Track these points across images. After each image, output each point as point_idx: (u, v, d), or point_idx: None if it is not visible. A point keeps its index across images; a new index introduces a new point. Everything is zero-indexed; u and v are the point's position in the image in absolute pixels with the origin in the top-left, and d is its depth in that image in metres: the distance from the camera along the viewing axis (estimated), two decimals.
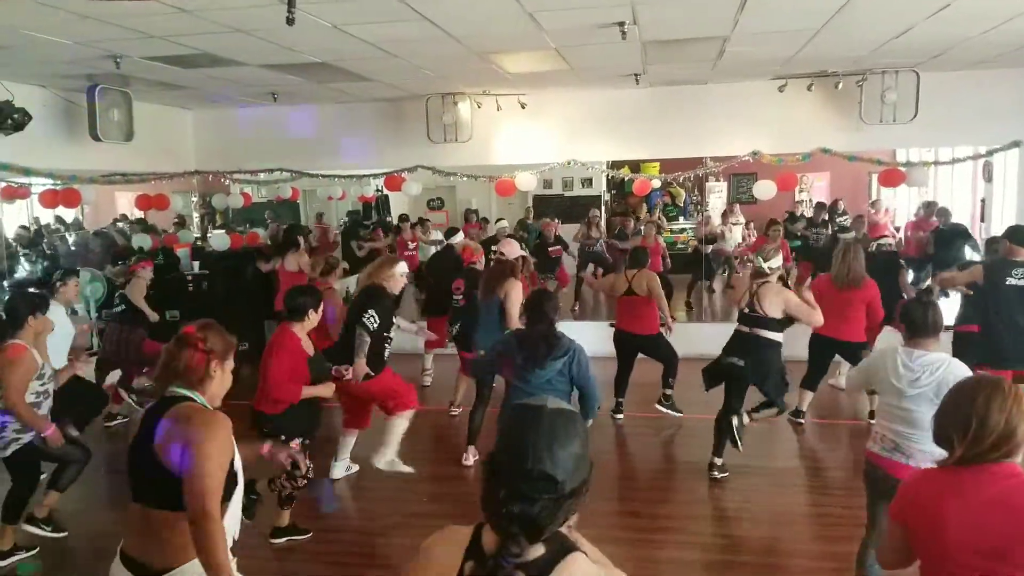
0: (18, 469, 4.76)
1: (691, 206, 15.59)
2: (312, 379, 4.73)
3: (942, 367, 3.52)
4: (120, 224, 11.76)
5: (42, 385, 4.69)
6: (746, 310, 5.75)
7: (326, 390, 4.74)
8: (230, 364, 2.79)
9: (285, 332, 4.73)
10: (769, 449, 6.57)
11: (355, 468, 6.13)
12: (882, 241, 8.68)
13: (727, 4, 5.44)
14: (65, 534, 5.02)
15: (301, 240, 9.24)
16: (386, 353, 5.66)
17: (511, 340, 4.51)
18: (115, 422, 7.56)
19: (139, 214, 11.55)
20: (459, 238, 8.86)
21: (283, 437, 4.35)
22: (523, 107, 9.27)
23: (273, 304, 10.37)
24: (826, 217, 11.88)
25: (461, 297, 7.41)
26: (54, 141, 8.11)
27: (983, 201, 11.42)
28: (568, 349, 4.29)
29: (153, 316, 7.20)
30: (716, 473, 5.88)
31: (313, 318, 4.71)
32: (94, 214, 11.62)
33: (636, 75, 8.22)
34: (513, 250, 6.70)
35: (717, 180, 14.90)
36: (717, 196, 15.34)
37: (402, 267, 5.83)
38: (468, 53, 6.87)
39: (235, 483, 2.61)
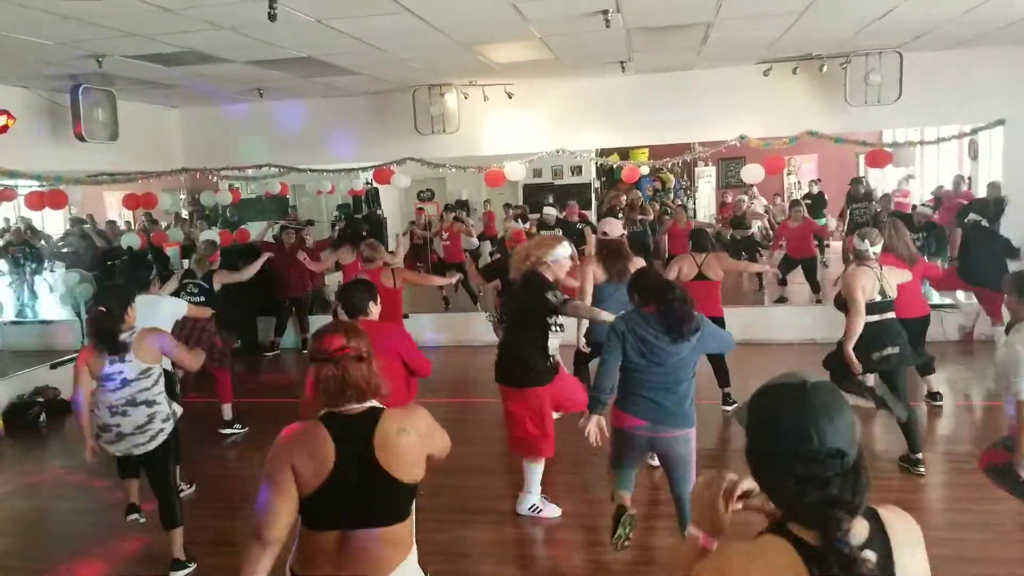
0: (160, 464, 4.60)
1: (681, 191, 15.62)
2: None
3: None
4: (87, 227, 11.69)
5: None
6: (879, 297, 5.41)
7: None
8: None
9: (381, 323, 4.57)
10: None
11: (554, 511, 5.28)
12: (920, 210, 8.63)
13: None
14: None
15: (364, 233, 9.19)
16: (550, 345, 4.96)
17: (635, 319, 4.05)
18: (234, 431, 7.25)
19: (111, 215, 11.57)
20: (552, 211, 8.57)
21: None
22: (510, 97, 9.27)
23: (270, 299, 10.42)
24: (866, 190, 11.67)
25: None
26: (38, 142, 8.07)
27: (969, 179, 11.50)
28: (699, 322, 3.97)
29: (252, 269, 7.55)
30: (921, 468, 5.53)
31: (375, 310, 4.51)
32: (81, 214, 11.60)
33: (622, 62, 8.23)
34: (617, 228, 6.35)
35: (706, 165, 14.95)
36: (706, 181, 15.39)
37: (565, 248, 5.12)
38: (453, 44, 6.87)
39: None
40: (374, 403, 2.51)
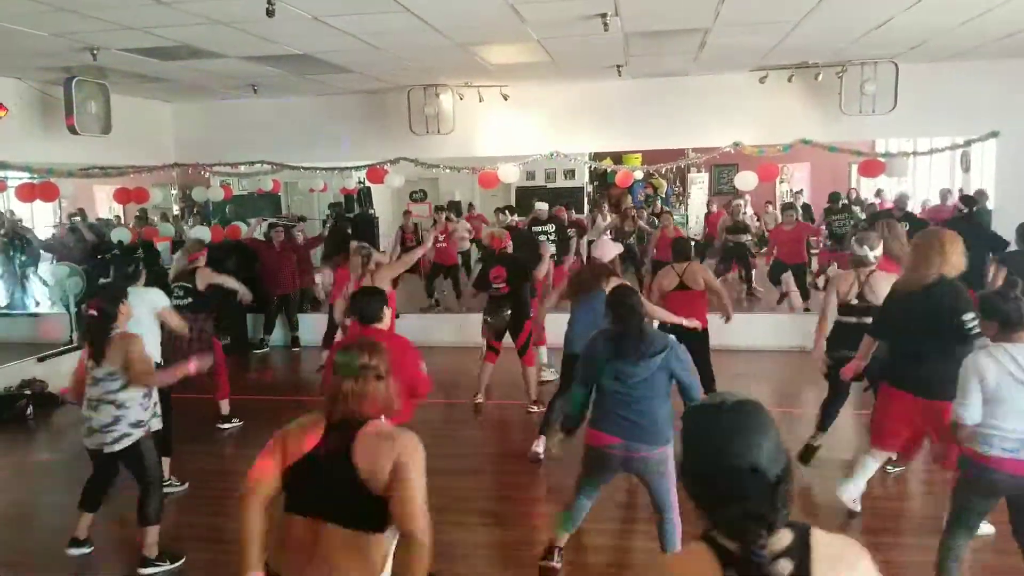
0: (132, 463, 4.61)
1: (673, 197, 15.64)
2: None
3: None
4: (77, 219, 11.55)
5: None
6: (854, 301, 5.50)
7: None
8: None
9: (390, 335, 4.37)
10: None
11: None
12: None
13: None
14: (183, 559, 4.70)
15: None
16: None
17: (599, 340, 4.15)
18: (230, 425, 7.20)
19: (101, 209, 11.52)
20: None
21: None
22: (505, 99, 9.26)
23: (259, 296, 10.35)
24: (845, 202, 11.86)
25: (504, 284, 7.11)
26: (30, 134, 8.02)
27: (961, 191, 11.56)
28: (666, 345, 4.00)
29: (243, 289, 7.30)
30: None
31: (387, 318, 4.44)
32: (72, 208, 11.51)
33: (618, 67, 8.23)
34: (608, 251, 6.42)
35: (699, 171, 14.95)
36: (699, 187, 15.41)
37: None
38: (450, 45, 6.85)
39: None
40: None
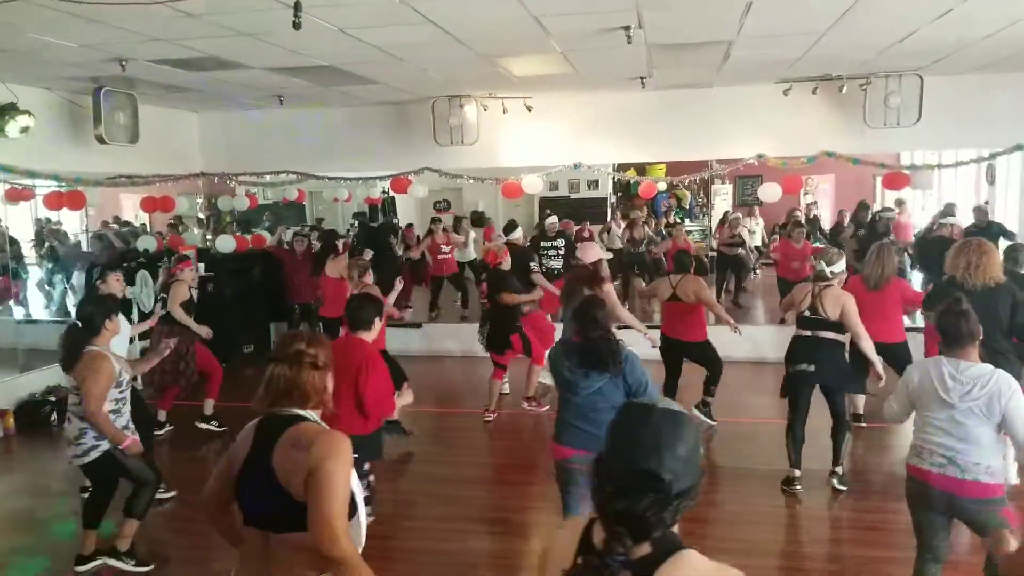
0: (97, 477, 4.67)
1: (696, 208, 15.58)
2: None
3: (992, 379, 3.42)
4: (112, 225, 11.71)
5: (120, 393, 4.54)
6: (807, 313, 5.52)
7: (409, 397, 4.51)
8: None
9: (365, 344, 4.40)
10: (771, 452, 6.51)
11: None
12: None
13: (732, 7, 5.45)
14: (150, 567, 4.74)
15: (340, 244, 9.27)
16: None
17: (559, 350, 4.14)
18: (164, 431, 7.27)
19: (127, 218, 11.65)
20: (518, 234, 8.69)
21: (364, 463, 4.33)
22: (529, 110, 9.28)
23: (279, 306, 10.45)
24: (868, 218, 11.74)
25: (486, 301, 7.33)
26: (59, 143, 8.16)
27: (986, 203, 11.43)
28: (617, 358, 3.97)
29: (197, 328, 6.97)
30: (836, 482, 5.68)
31: (378, 326, 4.51)
32: (98, 216, 11.65)
33: (642, 78, 8.23)
34: (591, 253, 6.44)
35: (723, 183, 14.86)
36: (723, 199, 15.32)
37: None
38: (474, 57, 6.88)
39: (355, 505, 2.52)
40: (308, 413, 2.54)
